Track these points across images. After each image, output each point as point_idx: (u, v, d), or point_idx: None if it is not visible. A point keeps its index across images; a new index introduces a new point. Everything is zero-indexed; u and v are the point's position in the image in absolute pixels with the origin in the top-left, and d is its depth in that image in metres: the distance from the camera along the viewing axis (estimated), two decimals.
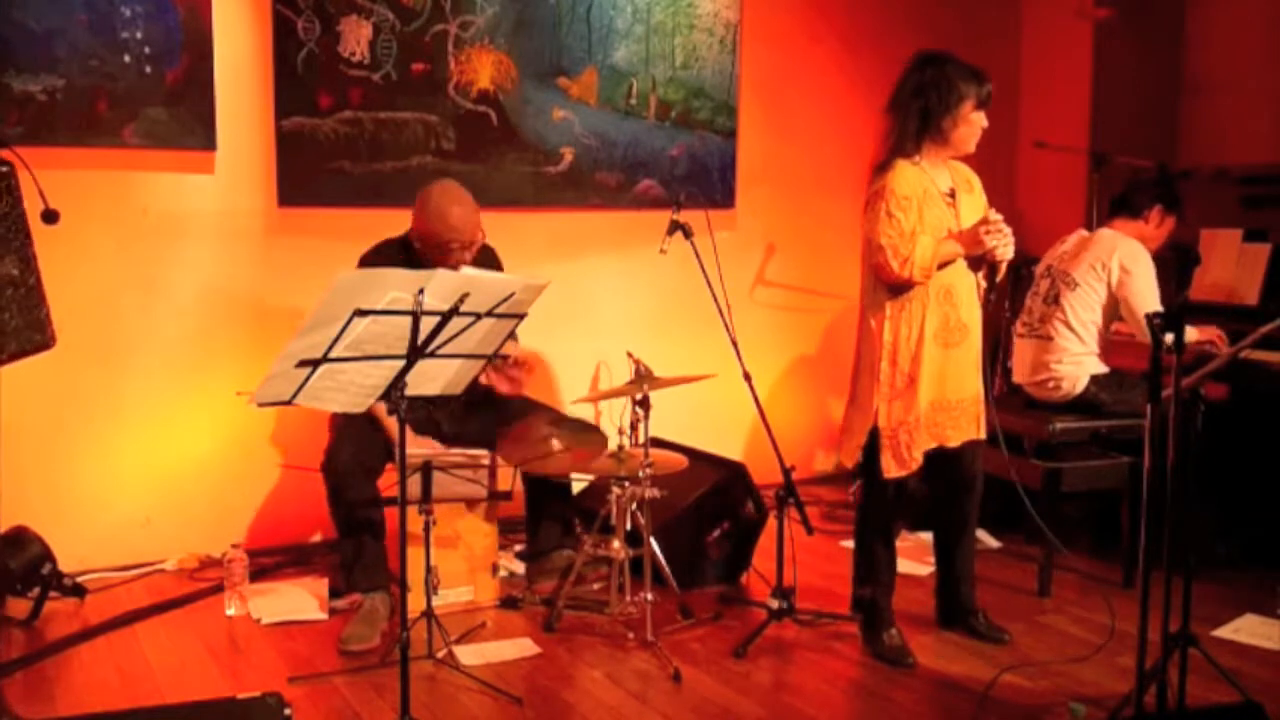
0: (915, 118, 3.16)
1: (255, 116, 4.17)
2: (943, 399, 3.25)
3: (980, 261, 3.23)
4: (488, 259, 3.74)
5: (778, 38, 5.18)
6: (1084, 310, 4.03)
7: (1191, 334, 3.95)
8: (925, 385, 3.20)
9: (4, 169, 2.49)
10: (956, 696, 3.12)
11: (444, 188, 3.62)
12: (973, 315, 3.28)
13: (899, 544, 3.51)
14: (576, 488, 4.25)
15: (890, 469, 3.23)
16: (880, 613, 3.39)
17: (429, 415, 3.75)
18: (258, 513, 4.31)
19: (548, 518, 3.98)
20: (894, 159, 3.18)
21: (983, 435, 3.36)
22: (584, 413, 4.69)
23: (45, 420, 3.91)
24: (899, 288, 3.18)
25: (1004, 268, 3.21)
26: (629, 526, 3.51)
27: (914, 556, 4.10)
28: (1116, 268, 3.98)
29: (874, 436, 3.22)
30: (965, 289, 3.26)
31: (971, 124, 3.19)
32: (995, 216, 3.15)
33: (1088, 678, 3.23)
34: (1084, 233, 4.27)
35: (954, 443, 3.29)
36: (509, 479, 3.86)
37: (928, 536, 3.67)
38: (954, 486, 3.38)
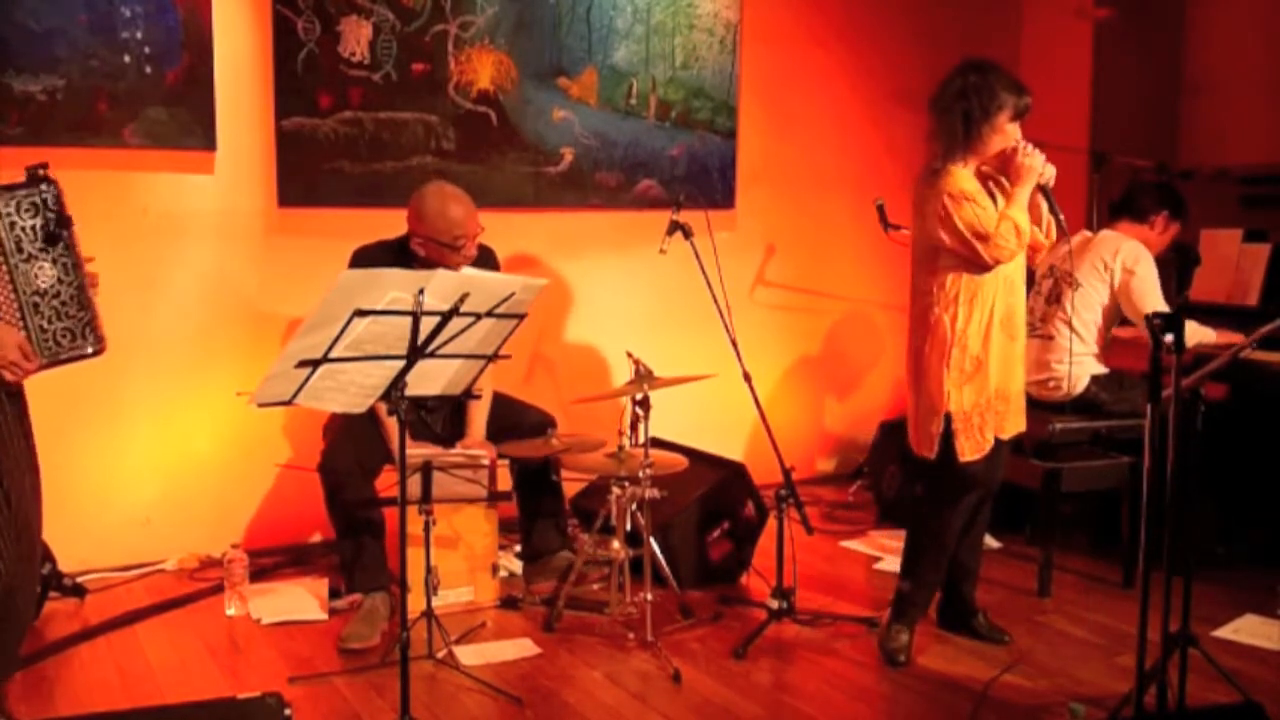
0: (959, 125, 3.17)
1: (255, 116, 4.17)
2: (1006, 389, 3.28)
3: (1044, 196, 3.26)
4: (485, 259, 3.74)
5: (778, 38, 5.18)
6: (1086, 310, 4.04)
7: (1210, 335, 3.95)
8: (994, 370, 3.23)
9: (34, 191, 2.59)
10: (956, 696, 3.12)
11: (437, 189, 3.60)
12: (1024, 309, 3.34)
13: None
14: (574, 488, 4.26)
15: (965, 452, 3.23)
16: (902, 606, 3.39)
17: (421, 420, 3.75)
18: (257, 513, 4.31)
19: (542, 518, 3.97)
20: (947, 165, 3.19)
21: (1024, 427, 3.40)
22: (585, 413, 4.70)
23: (45, 420, 3.89)
24: (974, 278, 3.19)
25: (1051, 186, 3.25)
26: (629, 526, 3.51)
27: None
28: (1119, 268, 3.99)
29: (948, 423, 3.23)
30: (1021, 282, 3.31)
31: (1006, 134, 3.20)
32: (1022, 141, 3.21)
33: (1088, 678, 3.24)
34: (1087, 233, 4.28)
35: (1007, 435, 3.32)
36: (509, 479, 3.87)
37: None
38: (994, 479, 3.38)
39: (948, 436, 3.24)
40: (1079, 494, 4.10)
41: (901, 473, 4.63)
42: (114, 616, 3.64)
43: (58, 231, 2.59)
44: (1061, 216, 3.27)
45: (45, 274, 2.60)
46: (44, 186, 2.58)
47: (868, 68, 5.39)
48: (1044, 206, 3.29)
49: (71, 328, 2.65)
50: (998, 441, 3.29)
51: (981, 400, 3.23)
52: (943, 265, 3.23)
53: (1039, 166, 3.20)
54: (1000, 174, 3.29)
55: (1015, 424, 3.35)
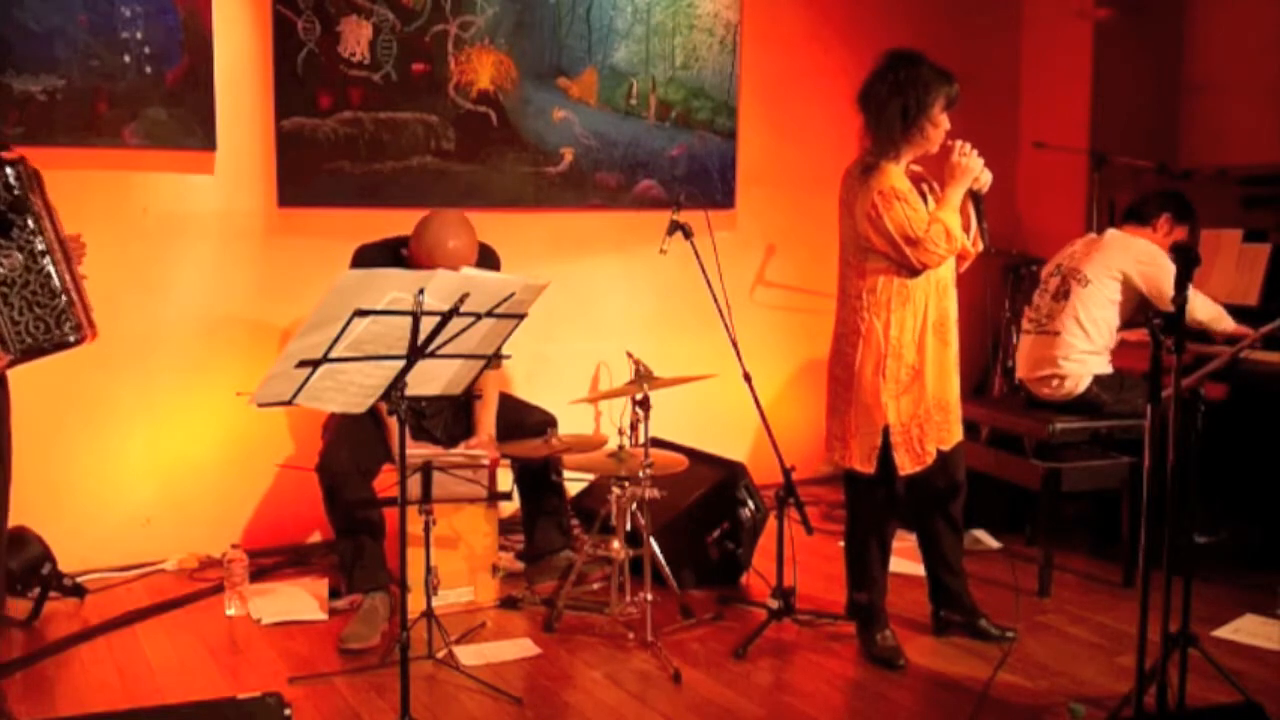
0: (898, 119, 3.15)
1: (255, 116, 4.17)
2: (943, 398, 3.26)
3: (974, 203, 3.25)
4: (486, 259, 3.73)
5: (778, 38, 5.18)
6: (1096, 307, 4.03)
7: (1229, 323, 3.96)
8: (931, 378, 3.21)
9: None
10: (956, 696, 3.12)
11: (444, 219, 3.54)
12: (955, 312, 3.30)
13: (896, 544, 3.50)
14: (574, 488, 4.26)
15: (905, 465, 3.22)
16: (874, 614, 3.39)
17: (419, 423, 3.75)
18: (257, 513, 4.31)
19: (544, 516, 3.97)
20: (879, 162, 3.17)
21: (961, 435, 3.38)
22: (584, 413, 4.70)
23: (45, 420, 3.91)
24: (905, 282, 3.17)
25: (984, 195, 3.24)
26: (629, 526, 3.51)
27: (913, 556, 4.09)
28: (1136, 263, 3.99)
29: (886, 436, 3.21)
30: (952, 284, 3.29)
31: (939, 125, 3.19)
32: (960, 141, 3.19)
33: (1088, 678, 3.23)
34: (1093, 235, 4.29)
35: (948, 445, 3.30)
36: (509, 479, 3.87)
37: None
38: (949, 489, 3.37)
39: (886, 450, 3.22)
40: (1079, 494, 4.10)
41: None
42: (114, 616, 3.64)
43: (11, 218, 2.43)
44: (986, 225, 3.25)
45: (7, 262, 2.46)
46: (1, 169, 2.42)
47: (868, 68, 5.37)
48: (973, 214, 3.25)
49: (44, 317, 2.50)
50: (940, 453, 3.27)
51: (920, 411, 3.21)
52: (871, 268, 3.19)
53: (976, 169, 3.17)
54: (933, 178, 3.26)
55: (955, 433, 3.32)
